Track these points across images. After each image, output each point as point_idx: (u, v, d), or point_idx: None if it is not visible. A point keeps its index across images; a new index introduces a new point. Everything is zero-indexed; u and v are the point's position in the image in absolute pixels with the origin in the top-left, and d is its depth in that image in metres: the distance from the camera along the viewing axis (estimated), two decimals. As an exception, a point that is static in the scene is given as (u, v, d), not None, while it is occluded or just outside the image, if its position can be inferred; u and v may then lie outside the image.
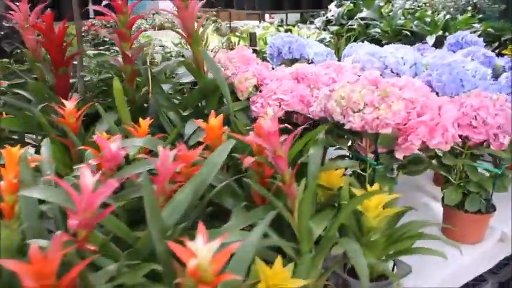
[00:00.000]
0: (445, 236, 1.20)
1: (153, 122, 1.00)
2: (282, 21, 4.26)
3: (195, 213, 0.83)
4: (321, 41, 2.49)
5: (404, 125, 0.99)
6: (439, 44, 2.40)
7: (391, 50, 1.52)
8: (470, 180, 1.12)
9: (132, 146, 0.89)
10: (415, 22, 2.55)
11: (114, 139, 0.86)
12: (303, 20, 3.66)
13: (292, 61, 1.70)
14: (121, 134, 1.01)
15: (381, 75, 1.51)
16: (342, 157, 1.17)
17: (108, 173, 0.85)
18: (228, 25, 3.41)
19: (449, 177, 1.15)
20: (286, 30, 2.25)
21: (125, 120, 1.07)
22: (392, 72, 1.48)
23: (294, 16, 4.06)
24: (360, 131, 0.99)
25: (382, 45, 2.37)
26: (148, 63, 1.22)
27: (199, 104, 1.30)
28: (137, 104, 1.27)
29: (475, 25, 2.51)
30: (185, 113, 1.25)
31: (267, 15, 4.55)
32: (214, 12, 3.39)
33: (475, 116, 1.04)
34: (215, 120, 0.96)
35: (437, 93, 1.30)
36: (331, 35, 2.85)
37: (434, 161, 1.16)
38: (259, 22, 3.43)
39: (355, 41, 2.73)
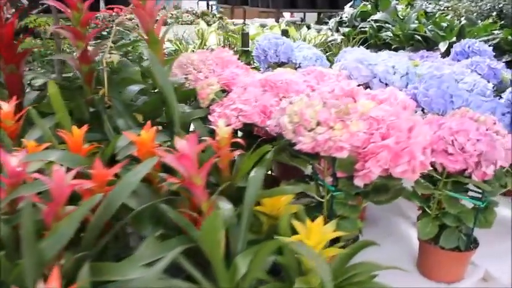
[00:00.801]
0: (419, 272, 1.04)
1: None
2: (301, 20, 4.10)
3: (102, 241, 0.71)
4: (330, 43, 2.32)
5: (364, 148, 0.83)
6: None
7: (382, 58, 1.36)
8: (447, 213, 0.96)
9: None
10: (429, 27, 2.35)
11: (20, 153, 0.75)
12: (319, 21, 3.49)
13: (280, 65, 1.55)
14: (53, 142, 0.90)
15: (367, 85, 1.36)
16: (305, 178, 1.03)
17: (10, 190, 0.74)
18: (243, 23, 3.27)
19: (425, 208, 0.99)
20: (283, 31, 2.09)
21: (63, 126, 0.95)
22: (381, 82, 1.31)
23: (313, 16, 3.88)
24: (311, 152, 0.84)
25: (393, 50, 2.19)
26: (104, 64, 1.10)
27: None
28: (97, 108, 1.15)
29: (495, 32, 2.29)
30: (144, 121, 1.13)
31: (288, 14, 4.40)
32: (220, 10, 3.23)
33: (452, 141, 0.87)
34: (147, 133, 0.84)
35: (423, 110, 1.14)
36: (343, 37, 2.69)
37: (410, 187, 1.00)
38: (276, 20, 3.28)
39: (362, 44, 2.56)
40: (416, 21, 2.44)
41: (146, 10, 1.08)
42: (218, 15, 2.97)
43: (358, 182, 0.85)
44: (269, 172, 1.29)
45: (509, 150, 0.92)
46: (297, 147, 0.85)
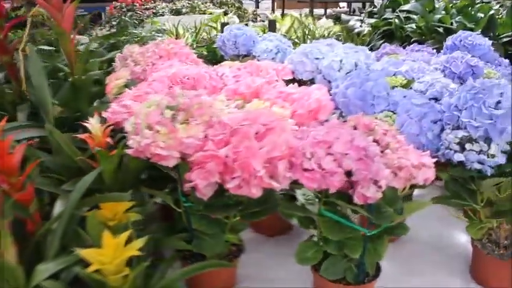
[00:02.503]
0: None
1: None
2: (353, 11, 3.81)
3: None
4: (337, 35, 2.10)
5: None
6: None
7: (338, 51, 1.16)
8: (329, 240, 0.77)
9: None
10: (457, 18, 2.02)
11: None
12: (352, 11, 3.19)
13: (244, 57, 1.41)
14: None
15: (312, 80, 1.18)
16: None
17: None
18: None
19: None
20: (270, 22, 1.91)
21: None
22: (325, 79, 1.12)
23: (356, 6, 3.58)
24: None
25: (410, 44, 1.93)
26: (21, 55, 1.05)
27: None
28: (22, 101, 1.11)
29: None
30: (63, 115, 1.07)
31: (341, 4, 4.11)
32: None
33: (312, 154, 0.69)
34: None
35: (341, 114, 0.94)
36: (370, 29, 2.43)
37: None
38: (310, 11, 3.06)
39: (390, 36, 2.29)
40: (444, 12, 2.11)
41: (53, 2, 1.00)
42: (237, 5, 2.83)
43: (200, 194, 0.71)
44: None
45: (408, 167, 0.72)
46: (129, 151, 0.72)
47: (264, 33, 1.67)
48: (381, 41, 2.33)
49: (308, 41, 1.87)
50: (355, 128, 0.77)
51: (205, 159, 0.67)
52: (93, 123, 0.86)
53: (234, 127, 0.71)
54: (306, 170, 0.69)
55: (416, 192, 1.20)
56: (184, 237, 0.83)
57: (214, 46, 1.49)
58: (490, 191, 0.86)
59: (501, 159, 0.78)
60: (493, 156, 0.78)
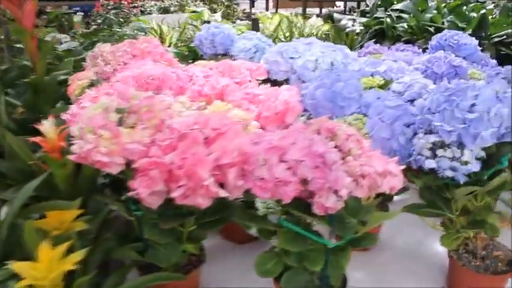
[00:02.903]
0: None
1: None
2: (350, 10, 3.75)
3: None
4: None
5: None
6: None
7: (316, 49, 1.10)
8: (289, 251, 0.72)
9: None
10: (449, 17, 1.95)
11: None
12: (348, 10, 3.13)
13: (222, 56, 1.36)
14: None
15: (288, 81, 1.12)
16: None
17: None
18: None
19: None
20: (253, 20, 1.84)
21: None
22: (300, 79, 1.07)
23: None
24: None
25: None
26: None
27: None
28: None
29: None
30: (23, 116, 1.02)
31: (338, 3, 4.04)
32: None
33: (265, 161, 0.63)
34: None
35: (309, 116, 0.88)
36: (362, 28, 2.37)
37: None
38: (303, 10, 2.99)
39: (381, 36, 2.23)
40: (435, 11, 2.04)
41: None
42: (226, 3, 2.77)
43: (146, 204, 0.65)
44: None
45: (372, 175, 0.66)
46: (71, 157, 0.67)
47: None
48: (372, 41, 2.27)
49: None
50: (318, 132, 0.71)
51: (149, 166, 0.62)
52: (46, 126, 0.80)
53: (183, 131, 0.65)
54: (258, 178, 0.63)
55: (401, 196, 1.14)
56: (140, 247, 0.78)
57: (193, 45, 1.43)
58: (466, 199, 0.80)
59: (475, 167, 0.72)
60: (466, 163, 0.72)
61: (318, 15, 2.66)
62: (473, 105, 0.72)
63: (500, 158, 0.77)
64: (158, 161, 0.61)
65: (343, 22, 2.52)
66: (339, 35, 2.13)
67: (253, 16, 1.79)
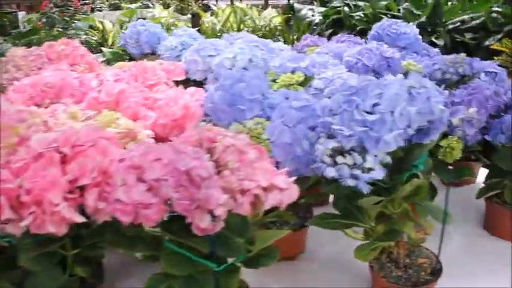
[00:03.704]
0: None
1: None
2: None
3: None
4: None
5: None
6: (421, 33, 1.73)
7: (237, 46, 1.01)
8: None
9: None
10: (405, 4, 1.86)
11: None
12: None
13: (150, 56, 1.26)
14: None
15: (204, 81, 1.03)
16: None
17: None
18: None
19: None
20: (192, 15, 1.74)
21: None
22: (216, 78, 0.97)
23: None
24: None
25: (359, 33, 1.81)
26: None
27: None
28: None
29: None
30: None
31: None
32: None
33: (123, 182, 0.54)
34: None
35: (210, 121, 0.79)
36: (321, 18, 2.27)
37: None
38: (265, 1, 2.87)
39: (333, 26, 2.13)
40: (391, -2, 1.95)
41: None
42: None
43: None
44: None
45: (253, 190, 0.57)
46: None
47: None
48: (330, 30, 2.18)
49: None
50: (200, 143, 0.62)
51: (-11, 193, 0.52)
52: None
53: (40, 150, 0.56)
54: (118, 200, 0.54)
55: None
56: (17, 275, 0.69)
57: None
58: (380, 207, 0.71)
59: (379, 174, 0.63)
60: (369, 170, 0.63)
61: (281, 7, 2.55)
62: (375, 105, 0.63)
63: (412, 162, 0.69)
64: (3, 187, 0.52)
65: (303, 12, 2.42)
66: (289, 26, 2.03)
67: (195, 10, 1.69)
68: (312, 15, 2.35)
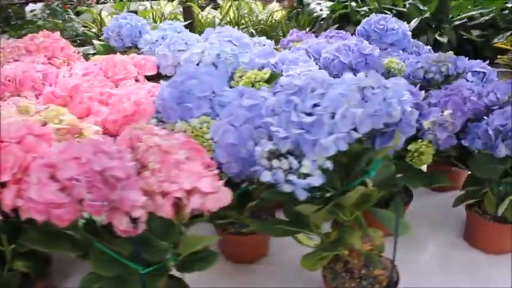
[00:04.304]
0: None
1: None
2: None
3: None
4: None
5: None
6: (425, 30, 1.67)
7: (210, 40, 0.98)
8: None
9: None
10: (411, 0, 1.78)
11: None
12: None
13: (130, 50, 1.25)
14: None
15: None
16: None
17: None
18: None
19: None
20: (184, 8, 1.70)
21: None
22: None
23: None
24: None
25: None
26: None
27: None
28: None
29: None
30: None
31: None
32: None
33: (37, 180, 0.52)
34: None
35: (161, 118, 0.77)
36: (329, 12, 2.22)
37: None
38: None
39: (340, 21, 2.08)
40: (398, -7, 1.87)
41: None
42: None
43: None
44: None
45: (174, 193, 0.55)
46: None
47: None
48: (337, 25, 2.12)
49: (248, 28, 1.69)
50: (130, 142, 0.60)
51: None
52: None
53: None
54: (31, 199, 0.53)
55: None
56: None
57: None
58: (327, 215, 0.67)
59: (317, 180, 0.59)
60: (306, 175, 0.59)
61: (289, 0, 2.50)
62: (315, 105, 0.60)
63: (360, 168, 0.64)
64: None
65: (311, 6, 2.37)
66: (290, 21, 1.98)
67: (187, 3, 1.67)
68: (320, 10, 2.29)
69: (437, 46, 1.62)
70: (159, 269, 0.60)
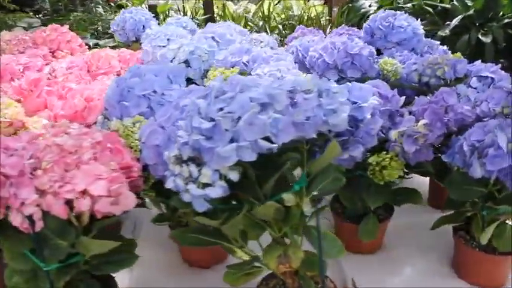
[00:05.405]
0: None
1: None
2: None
3: None
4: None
5: None
6: (468, 27, 1.52)
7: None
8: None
9: None
10: (459, -6, 1.61)
11: None
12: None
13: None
14: None
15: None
16: None
17: None
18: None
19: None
20: (204, 3, 1.66)
21: None
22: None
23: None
24: None
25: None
26: None
27: None
28: None
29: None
30: None
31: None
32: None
33: None
34: None
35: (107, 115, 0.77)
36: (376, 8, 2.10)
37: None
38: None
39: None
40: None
41: None
42: None
43: None
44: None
45: (63, 194, 0.55)
46: None
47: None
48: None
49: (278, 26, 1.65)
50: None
51: None
52: None
53: None
54: None
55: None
56: None
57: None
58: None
59: (216, 192, 0.55)
60: (205, 185, 0.55)
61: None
62: (220, 109, 0.55)
63: (283, 179, 0.59)
64: None
65: (360, 2, 2.25)
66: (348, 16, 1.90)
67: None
68: (369, 6, 2.17)
69: (479, 46, 1.45)
70: (65, 266, 0.60)
